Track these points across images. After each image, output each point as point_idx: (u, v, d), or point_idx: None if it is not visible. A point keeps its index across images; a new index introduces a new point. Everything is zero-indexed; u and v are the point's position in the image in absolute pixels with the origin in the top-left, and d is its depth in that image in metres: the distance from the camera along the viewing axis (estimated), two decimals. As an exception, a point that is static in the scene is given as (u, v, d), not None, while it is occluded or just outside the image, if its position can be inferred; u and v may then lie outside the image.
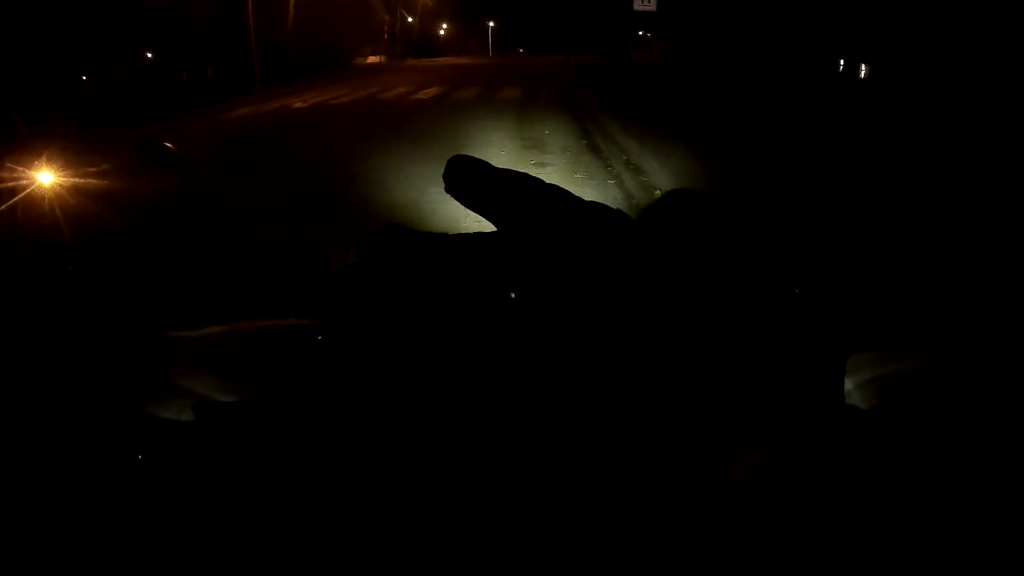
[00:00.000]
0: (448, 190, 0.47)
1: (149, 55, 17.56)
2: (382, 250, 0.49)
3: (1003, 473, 0.47)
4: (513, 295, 0.43)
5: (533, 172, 0.46)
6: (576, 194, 0.47)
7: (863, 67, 17.17)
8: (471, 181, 0.46)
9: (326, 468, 0.49)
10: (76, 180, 1.29)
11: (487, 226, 0.47)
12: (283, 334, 0.59)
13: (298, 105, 13.86)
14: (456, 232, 0.47)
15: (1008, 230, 4.25)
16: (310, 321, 0.57)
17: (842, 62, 18.07)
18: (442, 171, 0.45)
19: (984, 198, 5.15)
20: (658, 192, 5.83)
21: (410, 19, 54.67)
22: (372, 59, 39.01)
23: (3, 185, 1.34)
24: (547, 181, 0.47)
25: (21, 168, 1.41)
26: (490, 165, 0.47)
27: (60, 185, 1.31)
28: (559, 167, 7.00)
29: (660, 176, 6.25)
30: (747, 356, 0.39)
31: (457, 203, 0.46)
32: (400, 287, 0.47)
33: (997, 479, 0.46)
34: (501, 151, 7.88)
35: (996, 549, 0.42)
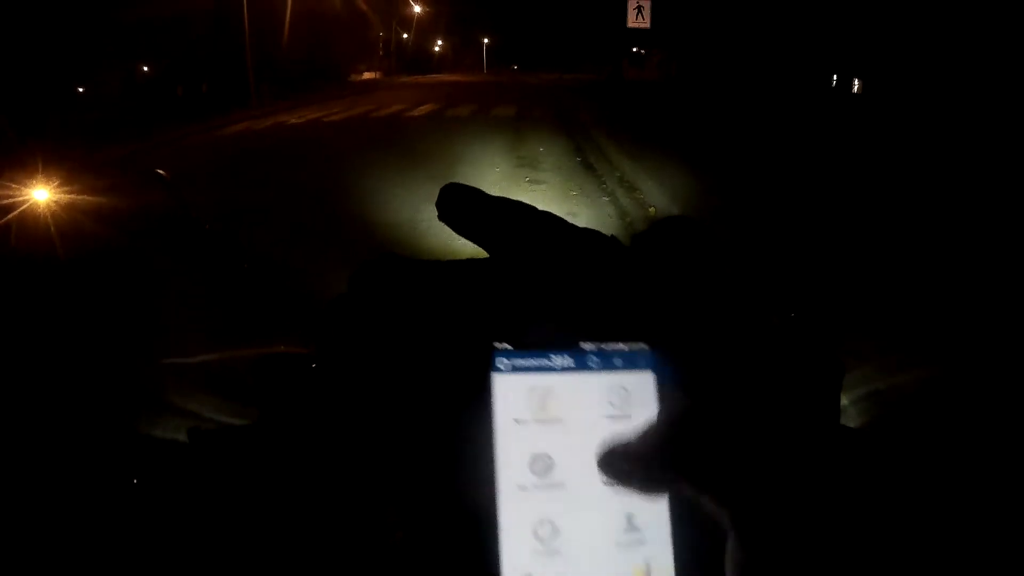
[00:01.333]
0: (441, 218, 0.47)
1: (145, 68, 17.60)
2: (375, 278, 0.49)
3: (999, 485, 0.47)
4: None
5: (527, 189, 0.47)
6: (572, 211, 0.48)
7: (856, 82, 17.28)
8: (464, 210, 0.46)
9: (317, 492, 0.50)
10: (72, 197, 1.30)
11: (481, 250, 0.47)
12: (276, 361, 0.59)
13: (293, 122, 13.88)
14: (449, 258, 0.48)
15: (1002, 242, 4.27)
16: (303, 349, 0.57)
17: (835, 77, 18.19)
18: (436, 189, 0.46)
19: (979, 210, 5.18)
20: (652, 210, 5.85)
21: (405, 35, 54.89)
22: (367, 75, 39.13)
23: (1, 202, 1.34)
24: (542, 198, 0.48)
25: (16, 185, 1.41)
26: (483, 193, 0.47)
27: (55, 202, 1.31)
28: (553, 184, 7.00)
29: (654, 193, 6.27)
30: (742, 380, 0.39)
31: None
32: (393, 316, 0.47)
33: (994, 490, 0.47)
34: (496, 168, 7.90)
35: (992, 562, 0.42)
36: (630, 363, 0.46)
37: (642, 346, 0.46)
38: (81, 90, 14.02)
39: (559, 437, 0.43)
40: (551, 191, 6.59)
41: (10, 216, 1.31)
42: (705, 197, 6.16)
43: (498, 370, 0.44)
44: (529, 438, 0.43)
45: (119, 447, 0.61)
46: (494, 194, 0.45)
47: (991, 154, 8.00)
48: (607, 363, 0.45)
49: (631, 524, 0.42)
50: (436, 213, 0.44)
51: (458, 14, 62.84)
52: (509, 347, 0.44)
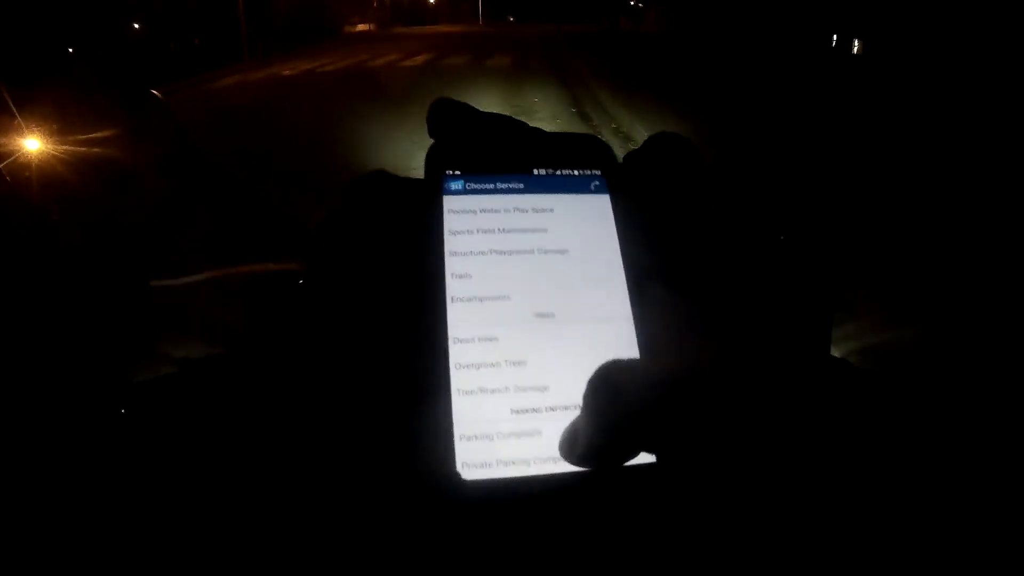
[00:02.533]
0: (431, 133, 0.47)
1: (136, 25, 17.38)
2: (365, 194, 0.49)
3: (994, 451, 0.47)
4: None
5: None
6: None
7: (856, 42, 17.12)
8: (454, 124, 0.47)
9: (306, 422, 0.50)
10: (65, 148, 1.28)
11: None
12: (265, 280, 0.58)
13: (287, 73, 13.75)
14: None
15: (1003, 210, 4.26)
16: (291, 266, 0.57)
17: (835, 37, 18.02)
18: (428, 139, 0.46)
19: (979, 178, 5.16)
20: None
21: (399, -14, 54.19)
22: (361, 27, 38.66)
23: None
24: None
25: (5, 136, 1.40)
26: (473, 108, 0.47)
27: (48, 152, 1.30)
28: (549, 134, 6.96)
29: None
30: (729, 298, 0.39)
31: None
32: (379, 227, 0.47)
33: (988, 455, 0.47)
34: (491, 117, 7.82)
35: (988, 527, 0.42)
36: (585, 187, 0.47)
37: (597, 172, 0.47)
38: (72, 50, 13.87)
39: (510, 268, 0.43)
40: (546, 141, 6.54)
41: (1, 164, 1.30)
42: (702, 148, 6.13)
43: (448, 191, 0.45)
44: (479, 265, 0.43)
45: (107, 376, 0.60)
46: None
47: (993, 122, 7.96)
48: (561, 186, 0.46)
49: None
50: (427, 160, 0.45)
51: (453, -36, 62.05)
52: (459, 172, 0.45)
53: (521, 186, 0.46)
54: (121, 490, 0.53)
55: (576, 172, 0.47)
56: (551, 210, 0.45)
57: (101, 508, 0.52)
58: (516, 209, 0.45)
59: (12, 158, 1.32)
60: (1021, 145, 5.71)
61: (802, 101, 8.90)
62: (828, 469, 0.35)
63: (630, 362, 0.38)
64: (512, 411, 0.40)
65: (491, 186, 0.45)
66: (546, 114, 8.29)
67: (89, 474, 0.54)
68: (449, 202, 0.45)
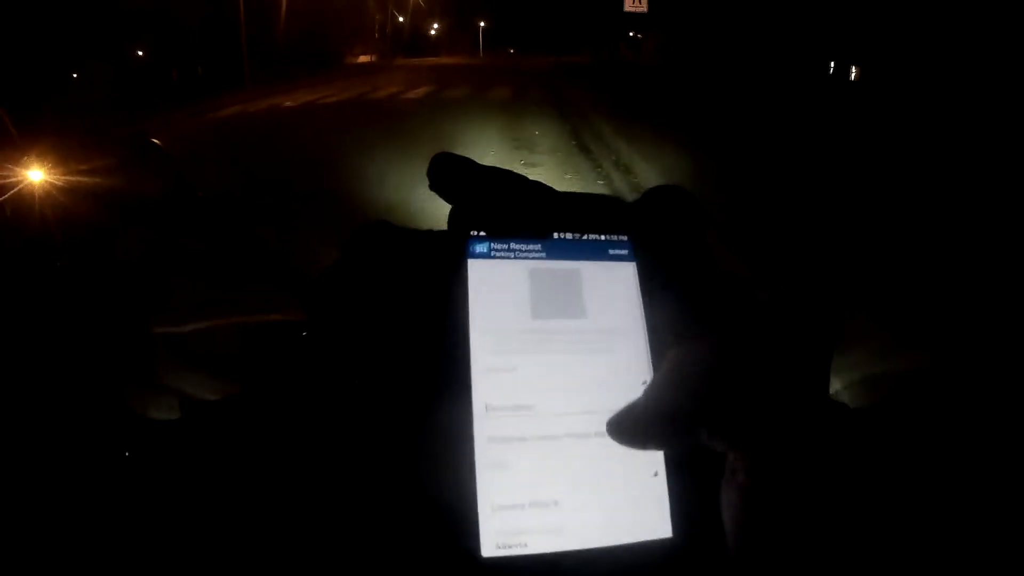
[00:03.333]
0: (432, 187, 0.47)
1: (140, 52, 17.50)
2: (367, 246, 0.49)
3: (995, 472, 0.48)
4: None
5: (522, 172, 0.47)
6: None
7: (853, 69, 17.24)
8: (455, 178, 0.47)
9: (309, 463, 0.50)
10: (66, 177, 1.29)
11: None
12: (269, 330, 0.59)
13: (288, 104, 13.81)
14: (441, 229, 0.48)
15: (999, 230, 4.27)
16: (295, 316, 0.57)
17: (833, 64, 18.15)
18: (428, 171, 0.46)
19: (975, 198, 5.18)
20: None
21: (401, 18, 54.61)
22: (363, 58, 38.94)
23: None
24: (536, 180, 0.48)
25: (10, 165, 1.40)
26: (474, 162, 0.47)
27: (49, 183, 1.30)
28: (549, 167, 7.00)
29: (649, 176, 6.27)
30: (729, 351, 0.40)
31: (443, 202, 0.47)
32: (384, 283, 0.47)
33: (989, 478, 0.47)
34: (491, 151, 7.88)
35: (987, 547, 0.43)
36: (611, 253, 0.46)
37: (624, 238, 0.46)
38: (76, 75, 13.93)
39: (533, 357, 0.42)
40: (546, 173, 6.58)
41: (4, 197, 1.31)
42: (700, 181, 6.16)
43: (473, 255, 0.44)
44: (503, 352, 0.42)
45: (110, 418, 0.61)
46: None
47: (988, 142, 7.99)
48: (584, 252, 0.45)
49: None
50: (428, 195, 0.45)
51: (454, -3, 62.60)
52: (484, 233, 0.44)
53: (548, 251, 0.45)
54: (124, 532, 0.53)
55: (603, 237, 0.46)
56: (578, 277, 0.44)
57: (104, 549, 0.53)
58: (543, 275, 0.44)
59: (15, 189, 1.33)
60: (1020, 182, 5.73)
61: (799, 131, 8.95)
62: (823, 504, 0.36)
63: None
64: (538, 486, 0.40)
65: (518, 250, 0.45)
66: (546, 147, 8.32)
67: (93, 516, 0.55)
68: (474, 267, 0.44)
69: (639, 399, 0.40)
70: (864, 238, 4.11)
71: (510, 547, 0.39)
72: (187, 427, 0.59)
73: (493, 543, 0.39)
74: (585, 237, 0.46)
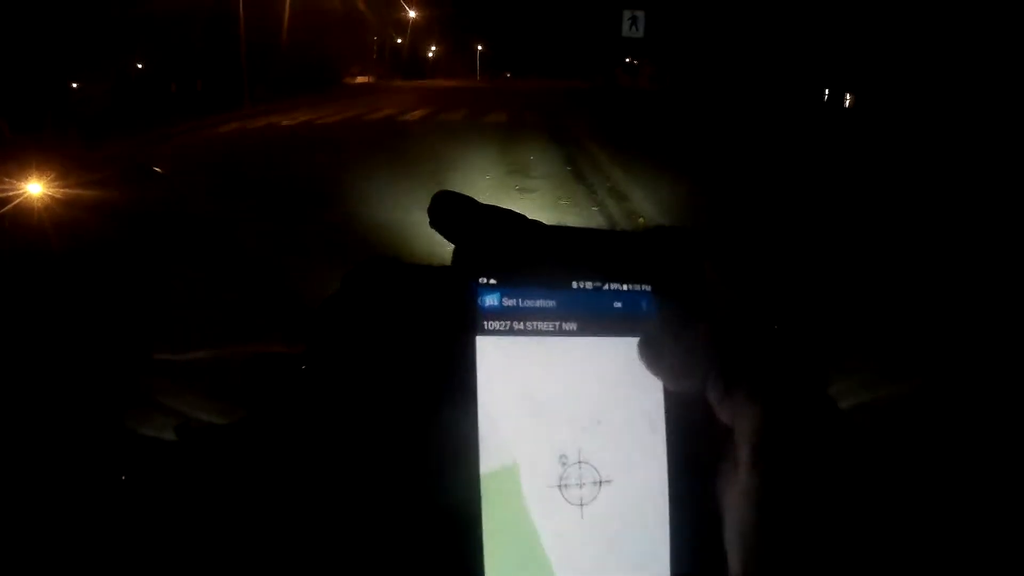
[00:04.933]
0: (432, 225, 0.47)
1: (139, 65, 17.52)
2: (366, 280, 0.50)
3: (995, 488, 0.48)
4: None
5: (517, 198, 0.48)
6: (561, 220, 0.49)
7: (848, 96, 17.36)
8: (454, 217, 0.46)
9: (304, 492, 0.50)
10: (65, 190, 1.30)
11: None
12: (266, 361, 0.59)
13: (286, 123, 13.85)
14: (441, 263, 0.48)
15: (991, 251, 4.29)
16: (294, 348, 0.58)
17: (827, 91, 18.27)
18: (427, 195, 0.46)
19: (970, 223, 5.21)
20: (642, 220, 5.86)
21: (399, 40, 54.84)
22: (361, 79, 39.04)
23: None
24: (531, 206, 0.49)
25: (9, 179, 1.41)
26: (474, 201, 0.47)
27: (49, 196, 1.32)
28: (544, 192, 7.01)
29: (644, 204, 6.29)
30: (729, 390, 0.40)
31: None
32: (383, 318, 0.48)
33: (989, 493, 0.48)
34: (486, 176, 7.88)
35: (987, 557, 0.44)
36: (633, 306, 0.43)
37: (647, 288, 0.43)
38: (75, 86, 13.94)
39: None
40: (541, 199, 6.59)
41: (4, 209, 1.31)
42: (695, 209, 6.18)
43: (483, 331, 0.40)
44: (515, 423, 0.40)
45: (108, 443, 0.61)
46: (484, 202, 0.45)
47: (981, 170, 8.04)
48: (606, 305, 0.42)
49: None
50: (424, 219, 0.44)
51: (453, 20, 62.85)
52: (494, 282, 0.41)
53: (566, 304, 0.41)
54: (118, 554, 0.54)
55: (625, 287, 0.43)
56: (598, 337, 0.42)
57: (98, 569, 0.53)
58: (560, 334, 0.41)
59: (16, 201, 1.34)
60: (1018, 208, 5.76)
61: (794, 158, 8.99)
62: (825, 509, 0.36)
63: None
64: (544, 568, 0.39)
65: (532, 304, 0.41)
66: (541, 172, 8.33)
67: (89, 540, 0.55)
68: (483, 324, 0.40)
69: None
70: (854, 264, 4.13)
71: None
72: (183, 451, 0.60)
73: None
74: (607, 287, 0.42)
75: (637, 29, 15.41)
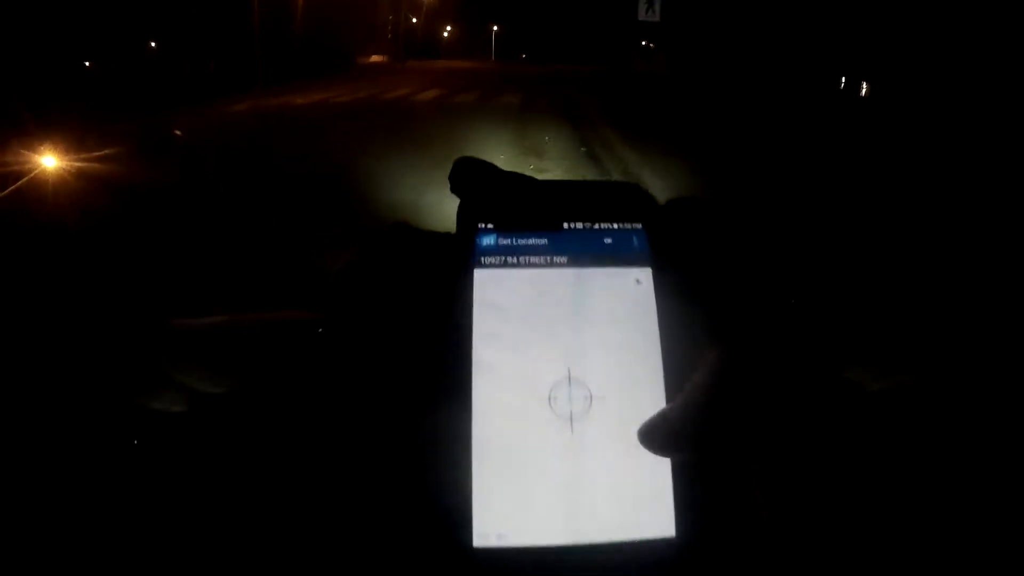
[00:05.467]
0: (453, 190, 0.48)
1: (153, 44, 17.53)
2: (385, 247, 0.50)
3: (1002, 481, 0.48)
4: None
5: (530, 175, 0.48)
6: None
7: (864, 85, 17.25)
8: (475, 182, 0.47)
9: (311, 457, 0.50)
10: (80, 164, 1.30)
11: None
12: (284, 326, 0.59)
13: (299, 102, 13.84)
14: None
15: (1006, 243, 4.27)
16: (311, 314, 0.58)
17: (844, 80, 18.15)
18: (440, 174, 0.47)
19: (984, 213, 5.17)
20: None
21: (414, 20, 54.73)
22: (375, 58, 39.06)
23: (9, 168, 1.34)
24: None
25: (25, 152, 1.42)
26: (494, 166, 0.48)
27: (63, 169, 1.32)
28: (557, 174, 6.99)
29: (657, 188, 6.27)
30: (744, 362, 0.40)
31: (454, 205, 0.47)
32: (399, 284, 0.48)
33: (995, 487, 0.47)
34: (500, 156, 7.85)
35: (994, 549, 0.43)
36: (625, 243, 0.45)
37: (638, 226, 0.45)
38: (88, 64, 13.96)
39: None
40: (554, 179, 6.55)
41: (20, 183, 1.32)
42: (710, 191, 6.16)
43: (480, 248, 0.44)
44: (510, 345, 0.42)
45: (120, 408, 0.61)
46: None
47: (995, 158, 7.98)
48: (597, 247, 0.44)
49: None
50: (438, 197, 0.45)
51: (469, 1, 62.77)
52: (491, 226, 0.44)
53: (558, 246, 0.44)
54: (129, 520, 0.54)
55: (616, 226, 0.45)
56: (589, 281, 0.43)
57: (110, 536, 0.53)
58: (551, 266, 0.43)
59: (31, 175, 1.34)
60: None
61: (810, 146, 8.94)
62: (833, 473, 0.36)
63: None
64: (535, 480, 0.40)
65: (526, 246, 0.44)
66: (555, 153, 8.32)
67: (98, 503, 0.55)
68: (481, 259, 0.43)
69: (673, 404, 0.40)
70: (873, 249, 4.11)
71: (501, 539, 0.39)
72: (195, 420, 0.60)
73: (484, 534, 0.39)
74: (597, 227, 0.45)
75: (654, 13, 15.34)
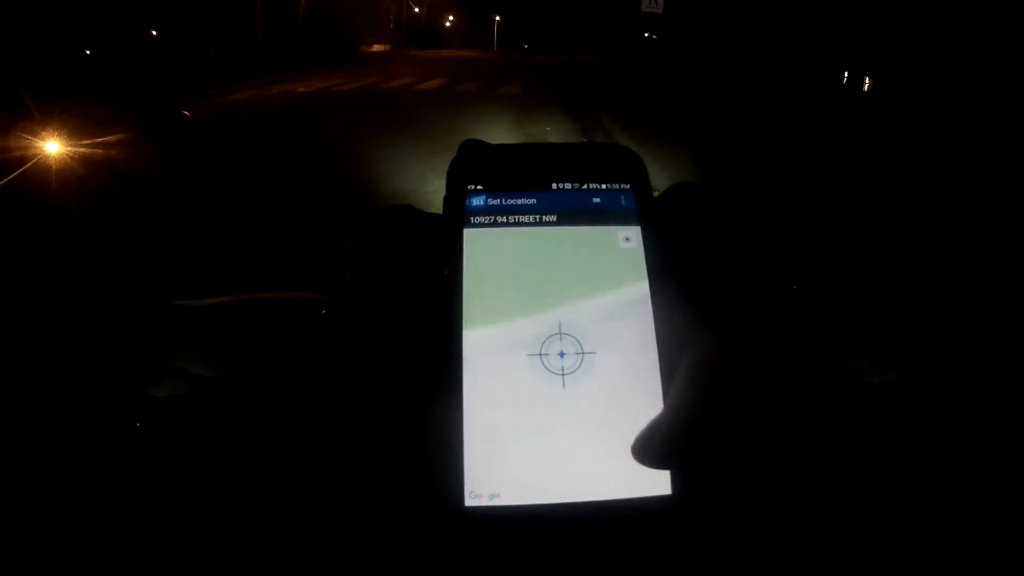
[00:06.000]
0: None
1: (154, 32, 17.47)
2: (387, 228, 0.50)
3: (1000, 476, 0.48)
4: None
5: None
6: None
7: (867, 80, 17.19)
8: (466, 149, 0.48)
9: (316, 433, 0.51)
10: (82, 149, 1.30)
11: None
12: (288, 306, 0.59)
13: (301, 90, 13.81)
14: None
15: (1007, 237, 4.26)
16: (315, 295, 0.58)
17: (846, 74, 18.10)
18: (442, 162, 0.47)
19: (985, 208, 5.17)
20: (656, 192, 5.83)
21: (416, 9, 54.55)
22: (377, 47, 38.91)
23: (12, 154, 1.34)
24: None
25: (27, 137, 1.41)
26: (483, 142, 0.49)
27: (66, 154, 1.31)
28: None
29: (659, 178, 6.27)
30: (748, 347, 0.40)
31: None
32: (401, 264, 0.48)
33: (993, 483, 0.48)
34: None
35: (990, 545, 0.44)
36: (614, 203, 0.45)
37: (627, 186, 0.46)
38: (88, 51, 13.90)
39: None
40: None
41: (22, 169, 1.31)
42: (712, 179, 6.16)
43: (469, 224, 0.44)
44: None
45: (123, 390, 0.61)
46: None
47: (996, 154, 7.96)
48: (586, 206, 0.45)
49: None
50: (439, 185, 0.45)
51: (471, -10, 62.49)
52: (481, 187, 0.45)
53: (547, 206, 0.44)
54: (132, 501, 0.54)
55: (604, 186, 0.45)
56: (577, 226, 0.44)
57: (112, 517, 0.53)
58: (540, 225, 0.44)
59: (33, 160, 1.34)
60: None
61: (812, 139, 8.92)
62: (830, 467, 0.37)
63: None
64: (527, 438, 0.39)
65: (515, 207, 0.44)
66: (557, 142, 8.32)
67: (102, 485, 0.55)
68: (470, 219, 0.44)
69: (661, 414, 0.39)
70: (873, 240, 4.11)
71: (494, 498, 0.39)
72: (197, 401, 0.60)
73: (476, 494, 0.39)
74: (586, 187, 0.45)
75: (657, 4, 15.27)
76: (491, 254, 0.43)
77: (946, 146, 8.62)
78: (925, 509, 0.43)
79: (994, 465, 0.48)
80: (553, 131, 9.31)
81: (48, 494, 0.54)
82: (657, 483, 0.39)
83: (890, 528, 0.40)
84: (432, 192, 5.06)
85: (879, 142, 9.24)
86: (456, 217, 0.44)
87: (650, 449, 0.39)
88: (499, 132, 8.97)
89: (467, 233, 0.43)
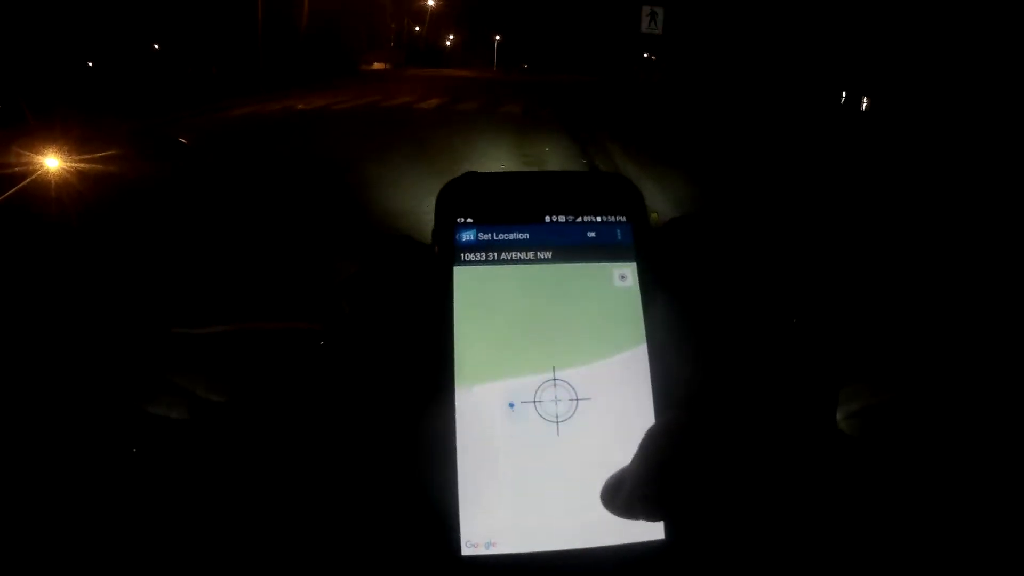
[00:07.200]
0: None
1: (156, 47, 17.55)
2: (385, 258, 0.50)
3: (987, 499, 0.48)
4: None
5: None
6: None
7: (864, 100, 17.27)
8: (455, 179, 0.47)
9: (313, 469, 0.51)
10: (82, 166, 1.30)
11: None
12: (286, 337, 0.59)
13: (301, 108, 13.84)
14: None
15: (1002, 255, 4.27)
16: (313, 325, 0.58)
17: (844, 94, 18.19)
18: (440, 183, 0.46)
19: (981, 227, 5.18)
20: (655, 215, 5.84)
21: (416, 28, 54.83)
22: (377, 65, 39.03)
23: (12, 170, 1.34)
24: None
25: (28, 153, 1.42)
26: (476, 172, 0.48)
27: (66, 170, 1.32)
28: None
29: (658, 200, 6.27)
30: (745, 379, 0.40)
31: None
32: (398, 295, 0.48)
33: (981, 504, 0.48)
34: (501, 165, 7.87)
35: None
36: (609, 237, 0.44)
37: (623, 218, 0.44)
38: (90, 65, 13.94)
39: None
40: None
41: (23, 184, 1.32)
42: (711, 204, 6.17)
43: (460, 262, 0.42)
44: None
45: (121, 415, 0.61)
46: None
47: (994, 171, 7.99)
48: (580, 241, 0.43)
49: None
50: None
51: (471, 10, 62.78)
52: (471, 220, 0.43)
53: (540, 236, 0.43)
54: (127, 528, 0.54)
55: (599, 219, 0.44)
56: (572, 263, 0.43)
57: (110, 542, 0.53)
58: (534, 262, 0.43)
59: (33, 176, 1.34)
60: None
61: (811, 161, 8.95)
62: (823, 523, 0.36)
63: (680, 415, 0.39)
64: (521, 485, 0.39)
65: (507, 237, 0.43)
66: (555, 164, 8.32)
67: (98, 512, 0.55)
68: (460, 256, 0.42)
69: (628, 465, 0.38)
70: (869, 265, 4.11)
71: (489, 547, 0.38)
72: (196, 427, 0.60)
73: (472, 542, 0.38)
74: (580, 219, 0.44)
75: (656, 25, 15.36)
76: (483, 295, 0.42)
77: (943, 165, 8.64)
78: (913, 543, 0.43)
79: (980, 502, 0.48)
80: (552, 151, 9.33)
81: (44, 509, 0.54)
82: (650, 528, 0.39)
83: (879, 564, 0.40)
84: (429, 211, 5.03)
85: (877, 162, 9.27)
86: (446, 254, 0.42)
87: (617, 498, 0.38)
88: (497, 152, 9.00)
89: (458, 272, 0.42)
